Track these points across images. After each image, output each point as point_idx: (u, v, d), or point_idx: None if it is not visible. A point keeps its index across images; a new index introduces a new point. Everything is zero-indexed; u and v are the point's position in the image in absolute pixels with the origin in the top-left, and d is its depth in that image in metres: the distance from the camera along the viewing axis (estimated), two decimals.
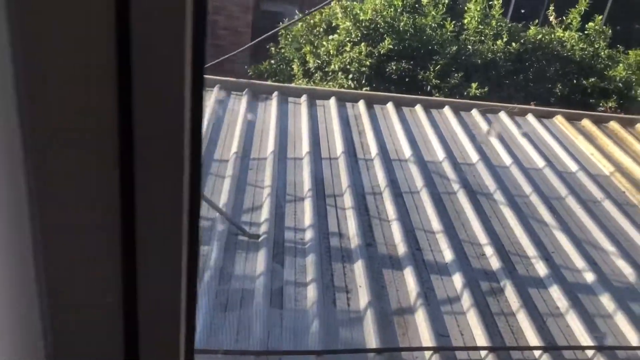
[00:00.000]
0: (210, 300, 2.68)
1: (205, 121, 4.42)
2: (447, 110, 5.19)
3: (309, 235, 3.24)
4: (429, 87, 8.73)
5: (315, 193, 3.68)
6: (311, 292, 2.79)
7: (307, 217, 3.40)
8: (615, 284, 3.18)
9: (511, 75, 9.25)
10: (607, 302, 3.00)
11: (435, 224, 3.51)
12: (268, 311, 2.67)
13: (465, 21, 9.17)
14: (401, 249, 3.23)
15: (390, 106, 5.14)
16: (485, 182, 4.09)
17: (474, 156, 4.41)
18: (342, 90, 6.81)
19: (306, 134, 4.43)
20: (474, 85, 8.46)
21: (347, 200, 3.65)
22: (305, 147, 4.24)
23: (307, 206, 3.51)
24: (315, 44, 9.39)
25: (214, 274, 2.84)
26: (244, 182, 3.76)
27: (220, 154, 4.07)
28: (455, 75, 8.62)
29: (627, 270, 3.28)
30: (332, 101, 5.11)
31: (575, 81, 9.25)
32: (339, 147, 4.33)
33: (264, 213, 3.40)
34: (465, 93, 8.68)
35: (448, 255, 3.22)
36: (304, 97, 5.11)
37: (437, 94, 8.68)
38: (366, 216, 3.56)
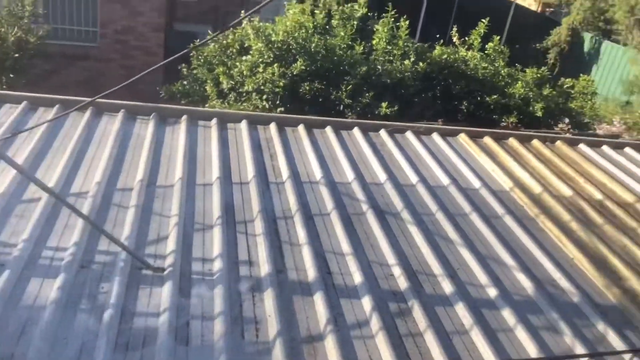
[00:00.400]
0: (109, 342, 2.53)
1: (108, 148, 4.24)
2: (356, 131, 5.28)
3: (217, 265, 3.16)
4: (341, 106, 8.87)
5: (225, 220, 3.61)
6: (219, 325, 2.72)
7: (216, 246, 3.32)
8: (516, 298, 3.32)
9: (420, 94, 9.58)
10: (508, 316, 3.12)
11: (345, 245, 3.53)
12: (173, 349, 2.56)
13: (374, 42, 9.43)
14: (312, 273, 3.22)
15: (301, 128, 5.16)
16: (393, 201, 4.18)
17: (382, 176, 4.50)
18: (253, 113, 6.78)
19: (216, 158, 4.35)
20: (384, 104, 8.70)
21: (258, 226, 3.61)
22: (215, 172, 4.16)
23: (216, 234, 3.43)
24: (229, 65, 9.32)
25: (114, 312, 2.70)
26: (149, 212, 3.62)
27: (124, 183, 3.91)
28: (367, 94, 8.82)
29: (526, 283, 3.44)
30: (244, 124, 5.06)
31: (479, 98, 9.72)
32: (250, 171, 4.28)
33: (170, 244, 3.29)
34: (376, 112, 8.90)
35: (357, 277, 3.24)
36: (214, 121, 5.02)
37: (350, 113, 8.84)
38: (277, 241, 3.53)
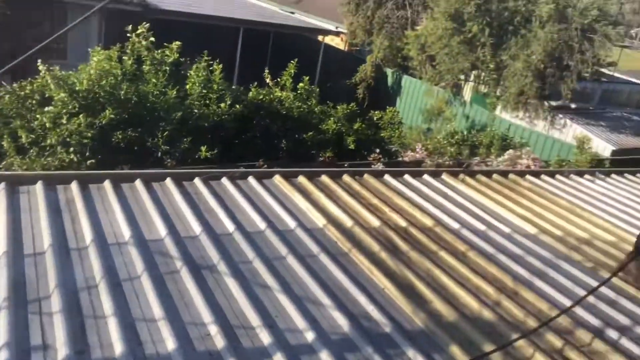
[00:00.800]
0: None
1: None
2: (169, 182, 5.09)
3: (2, 356, 2.76)
4: (159, 153, 8.58)
5: (13, 301, 3.18)
6: None
7: (1, 334, 2.90)
8: (333, 338, 3.38)
9: (239, 135, 9.65)
10: (326, 358, 3.16)
11: (157, 310, 3.32)
12: None
13: (188, 87, 9.33)
14: (119, 348, 2.96)
15: (107, 184, 4.83)
16: (209, 253, 4.06)
17: (197, 228, 4.37)
18: (50, 172, 6.23)
19: (3, 228, 3.86)
20: (203, 148, 8.59)
21: (55, 302, 3.24)
22: (1, 246, 3.68)
23: (2, 319, 3.00)
24: (28, 118, 8.52)
25: None
26: None
27: None
28: (185, 139, 8.65)
29: (342, 321, 3.53)
30: (39, 186, 4.59)
31: (297, 136, 10.07)
32: (46, 239, 3.86)
33: None
34: (196, 156, 8.75)
35: (171, 344, 3.05)
36: (2, 185, 4.49)
37: (169, 160, 8.58)
38: (79, 317, 3.19)
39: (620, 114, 16.70)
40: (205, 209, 4.76)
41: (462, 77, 15.70)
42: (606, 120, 15.75)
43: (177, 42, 9.26)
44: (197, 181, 5.24)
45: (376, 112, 15.15)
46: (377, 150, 10.81)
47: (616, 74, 19.29)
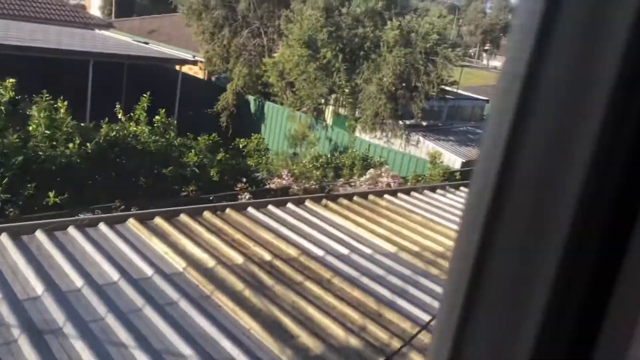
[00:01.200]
0: None
1: None
2: (4, 238, 4.57)
3: None
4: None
5: None
6: None
7: None
8: None
9: (92, 176, 9.04)
10: None
11: None
12: None
13: (31, 128, 8.57)
14: None
15: None
16: (53, 315, 3.67)
17: (38, 288, 3.94)
18: None
19: None
20: (51, 193, 7.90)
21: None
22: None
23: None
24: None
25: None
26: None
27: None
28: (29, 185, 7.90)
29: None
30: None
31: (156, 171, 9.65)
32: None
33: None
34: (44, 203, 8.03)
35: None
36: None
37: (11, 210, 7.78)
38: None
39: (465, 128, 18.19)
40: (49, 265, 4.32)
41: (322, 101, 16.18)
42: (454, 135, 17.06)
43: (12, 80, 8.49)
44: (39, 234, 4.77)
45: (241, 140, 15.11)
46: (244, 180, 10.69)
47: (460, 91, 21.03)
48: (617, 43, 0.34)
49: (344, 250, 5.46)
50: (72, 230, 4.94)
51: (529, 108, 0.38)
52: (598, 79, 0.35)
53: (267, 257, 5.01)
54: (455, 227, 6.58)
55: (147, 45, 20.33)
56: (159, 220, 5.39)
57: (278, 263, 4.92)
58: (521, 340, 0.39)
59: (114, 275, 4.30)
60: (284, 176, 11.38)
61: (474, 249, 0.40)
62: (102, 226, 5.10)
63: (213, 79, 20.29)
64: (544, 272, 0.38)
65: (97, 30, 21.70)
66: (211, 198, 9.15)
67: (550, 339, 0.38)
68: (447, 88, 17.26)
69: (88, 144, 8.85)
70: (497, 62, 59.71)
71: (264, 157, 14.65)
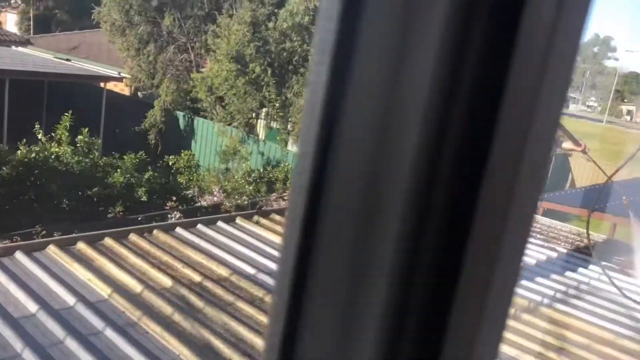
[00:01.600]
0: None
1: None
2: None
3: None
4: None
5: None
6: None
7: None
8: None
9: (11, 201, 8.58)
10: None
11: None
12: None
13: None
14: None
15: None
16: None
17: None
18: None
19: None
20: None
21: None
22: None
23: None
24: None
25: None
26: None
27: None
28: None
29: None
30: None
31: (80, 193, 9.27)
32: None
33: None
34: None
35: None
36: None
37: None
38: None
39: None
40: None
41: (253, 115, 16.10)
42: None
43: None
44: None
45: (171, 157, 14.76)
46: (174, 198, 10.45)
47: None
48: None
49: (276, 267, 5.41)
50: None
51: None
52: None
53: (197, 278, 4.89)
54: None
55: (69, 62, 19.58)
56: (81, 245, 5.16)
57: (208, 284, 4.81)
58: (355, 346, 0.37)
59: (32, 307, 4.06)
60: (215, 192, 11.21)
61: (294, 249, 0.38)
62: (19, 255, 4.82)
63: (140, 95, 19.78)
64: (376, 272, 0.35)
65: (14, 48, 20.68)
66: (140, 219, 8.87)
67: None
68: None
69: (4, 168, 8.40)
70: None
71: (194, 174, 14.35)
